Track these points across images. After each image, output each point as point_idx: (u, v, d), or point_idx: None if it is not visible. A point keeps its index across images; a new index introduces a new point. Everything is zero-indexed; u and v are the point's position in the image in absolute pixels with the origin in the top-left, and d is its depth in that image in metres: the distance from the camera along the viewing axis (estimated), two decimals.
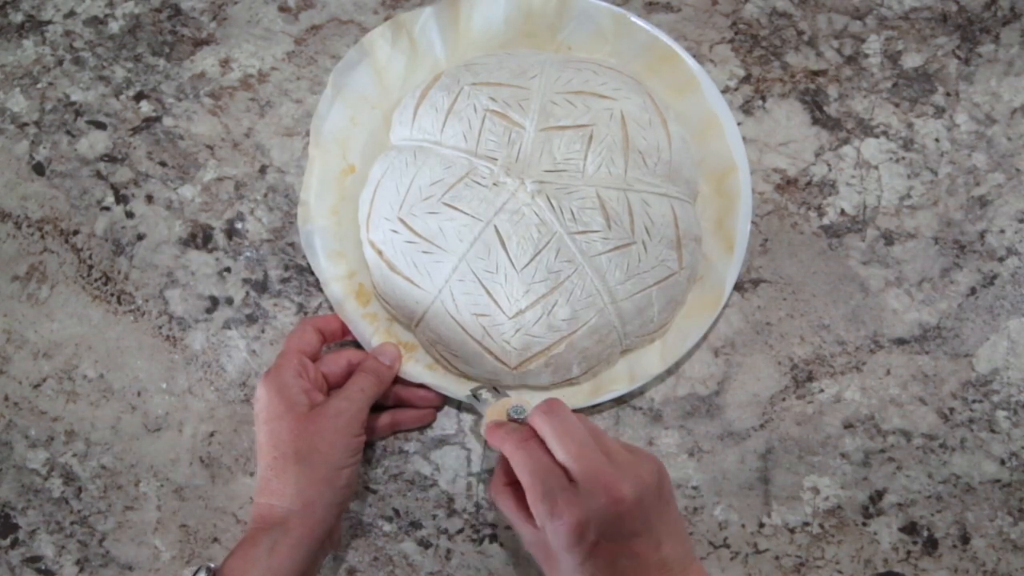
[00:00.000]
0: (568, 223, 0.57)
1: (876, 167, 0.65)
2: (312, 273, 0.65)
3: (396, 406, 0.62)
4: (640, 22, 0.63)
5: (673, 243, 0.59)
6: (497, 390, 0.59)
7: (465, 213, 0.57)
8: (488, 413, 0.55)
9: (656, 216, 0.58)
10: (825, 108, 0.66)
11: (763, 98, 0.66)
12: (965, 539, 0.60)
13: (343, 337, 0.62)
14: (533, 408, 0.51)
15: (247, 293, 0.65)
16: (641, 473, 0.47)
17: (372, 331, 0.62)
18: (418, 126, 0.61)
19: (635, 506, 0.46)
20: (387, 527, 0.62)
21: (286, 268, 0.65)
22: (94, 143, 0.68)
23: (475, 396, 0.59)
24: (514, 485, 0.51)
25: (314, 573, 0.55)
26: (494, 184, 0.57)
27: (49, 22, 0.70)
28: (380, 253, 0.60)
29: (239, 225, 0.66)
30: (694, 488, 0.61)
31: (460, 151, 0.58)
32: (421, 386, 0.62)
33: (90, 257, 0.66)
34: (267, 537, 0.52)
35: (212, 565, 0.52)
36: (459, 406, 0.63)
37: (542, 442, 0.49)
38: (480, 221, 0.57)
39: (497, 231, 0.57)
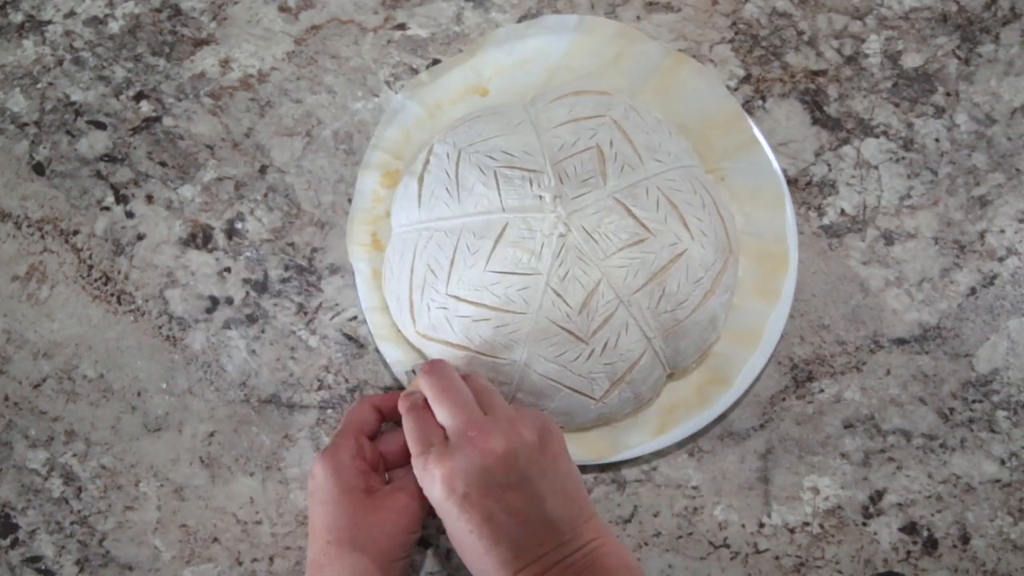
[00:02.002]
0: (607, 246, 0.56)
1: (876, 167, 0.65)
2: (312, 273, 0.65)
3: None
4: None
5: (716, 224, 0.59)
6: None
7: (519, 273, 0.56)
8: (412, 387, 0.54)
9: (687, 194, 0.58)
10: (825, 108, 0.66)
11: (763, 98, 0.66)
12: (965, 539, 0.60)
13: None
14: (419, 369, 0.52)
15: (247, 293, 0.65)
16: (519, 428, 0.48)
17: None
18: (428, 206, 0.59)
19: (506, 458, 0.47)
20: None
21: (286, 268, 0.65)
22: (94, 143, 0.68)
23: (414, 372, 0.58)
24: None
25: None
26: (531, 230, 0.56)
27: (49, 22, 0.70)
28: (439, 340, 0.59)
29: (239, 225, 0.66)
30: (694, 488, 0.61)
31: (487, 214, 0.57)
32: None
33: (90, 257, 0.66)
34: None
35: None
36: None
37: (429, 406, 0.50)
38: (539, 274, 0.56)
39: (552, 287, 0.56)
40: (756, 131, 0.63)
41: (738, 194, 0.63)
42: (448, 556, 0.62)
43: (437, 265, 0.58)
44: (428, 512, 0.54)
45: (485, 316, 0.57)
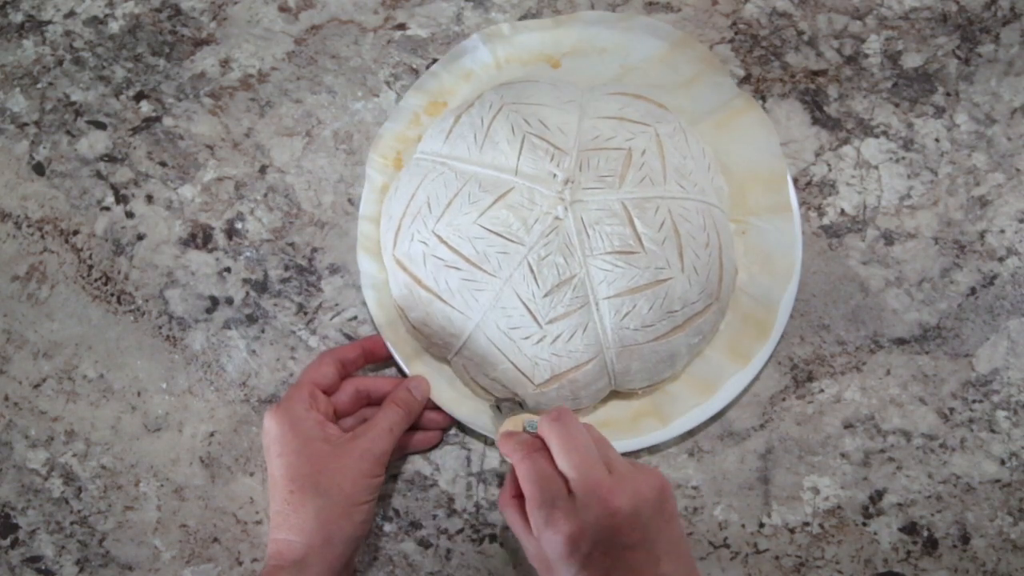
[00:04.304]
0: (596, 245, 0.56)
1: (876, 167, 0.65)
2: (312, 273, 0.65)
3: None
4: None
5: (712, 268, 0.58)
6: (521, 405, 0.58)
7: (505, 238, 0.56)
8: (505, 424, 0.55)
9: (695, 227, 0.57)
10: (825, 108, 0.66)
11: (763, 98, 0.66)
12: (965, 539, 0.60)
13: (364, 364, 0.61)
14: (542, 416, 0.51)
15: (247, 293, 0.65)
16: (640, 487, 0.47)
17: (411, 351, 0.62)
18: (452, 143, 0.60)
19: (631, 518, 0.46)
20: (387, 527, 0.62)
21: (286, 268, 0.65)
22: (94, 143, 0.68)
23: (497, 407, 0.58)
24: (521, 497, 0.51)
25: None
26: (532, 202, 0.56)
27: (49, 22, 0.70)
28: (410, 272, 0.59)
29: (239, 225, 0.66)
30: (694, 488, 0.61)
31: (499, 171, 0.58)
32: (433, 408, 0.61)
33: (90, 257, 0.66)
34: (286, 575, 0.52)
35: None
36: (463, 428, 0.63)
37: (549, 453, 0.49)
38: (521, 245, 0.56)
39: (529, 262, 0.56)
40: (793, 199, 0.62)
41: (752, 252, 0.62)
42: (448, 556, 0.62)
43: (435, 201, 0.58)
44: (394, 455, 0.56)
45: (458, 265, 0.57)
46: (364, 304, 0.63)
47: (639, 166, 0.57)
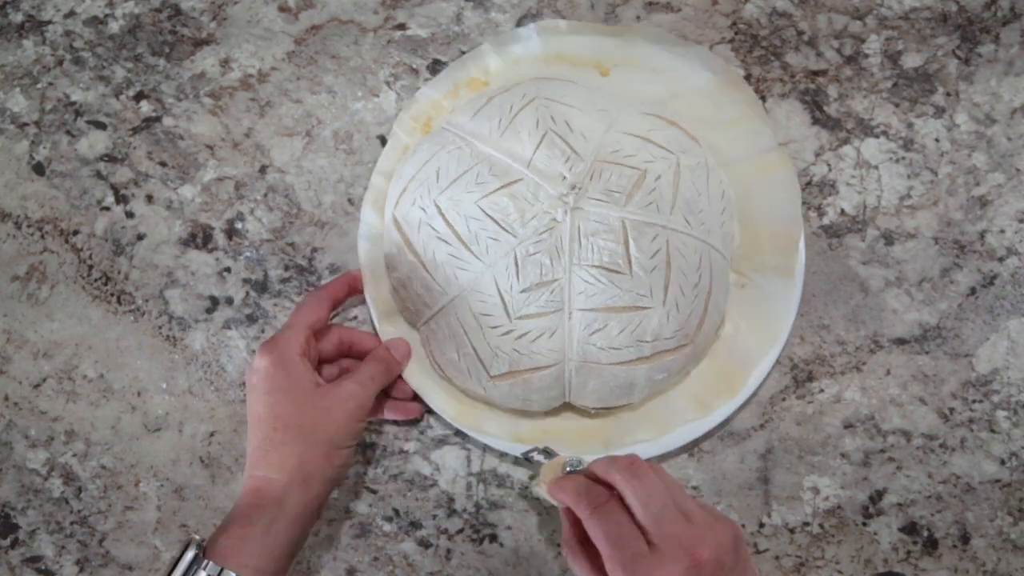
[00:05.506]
0: (585, 256, 0.56)
1: (876, 167, 0.65)
2: (312, 273, 0.65)
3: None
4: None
5: (696, 310, 0.57)
6: (548, 452, 0.57)
7: (500, 225, 0.56)
8: (544, 471, 0.53)
9: (689, 266, 0.57)
10: (825, 108, 0.66)
11: (763, 98, 0.66)
12: (965, 539, 0.60)
13: (351, 296, 0.62)
14: (612, 466, 0.49)
15: (247, 293, 0.65)
16: (720, 536, 0.47)
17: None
18: (478, 121, 0.60)
19: (715, 569, 0.45)
20: (387, 527, 0.62)
21: (286, 268, 0.65)
22: (94, 143, 0.68)
23: (527, 458, 0.58)
24: (586, 542, 0.50)
25: (303, 544, 0.55)
26: (535, 197, 0.56)
27: (49, 22, 0.70)
28: (403, 233, 0.60)
29: (239, 225, 0.66)
30: (694, 488, 0.61)
31: (512, 159, 0.58)
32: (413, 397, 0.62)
33: (90, 257, 0.67)
34: (263, 515, 0.52)
35: (199, 538, 0.52)
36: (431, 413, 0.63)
37: (619, 502, 0.48)
38: (513, 236, 0.56)
39: (516, 255, 0.56)
40: (801, 265, 0.61)
41: (745, 308, 0.61)
42: (448, 556, 0.62)
43: (445, 173, 0.59)
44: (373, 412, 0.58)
45: (447, 239, 0.58)
46: (364, 303, 0.63)
47: (649, 190, 0.57)
